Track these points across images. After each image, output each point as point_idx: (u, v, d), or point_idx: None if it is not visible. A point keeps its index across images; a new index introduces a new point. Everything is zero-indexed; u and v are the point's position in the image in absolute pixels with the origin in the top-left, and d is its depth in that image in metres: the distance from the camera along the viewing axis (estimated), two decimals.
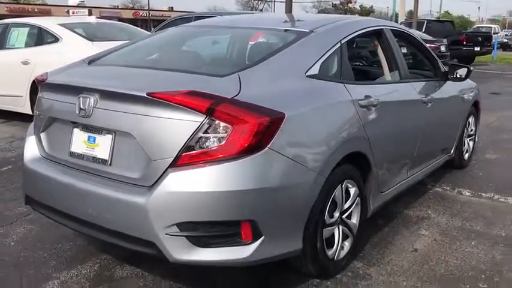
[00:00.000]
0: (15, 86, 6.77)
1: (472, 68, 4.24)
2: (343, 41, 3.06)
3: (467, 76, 4.20)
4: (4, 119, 7.21)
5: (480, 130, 5.99)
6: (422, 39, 4.41)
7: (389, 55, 3.59)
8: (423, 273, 2.91)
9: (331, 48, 2.94)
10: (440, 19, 31.69)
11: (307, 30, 3.02)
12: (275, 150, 2.31)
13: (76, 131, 2.62)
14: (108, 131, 2.48)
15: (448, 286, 2.77)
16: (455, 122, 4.60)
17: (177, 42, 3.58)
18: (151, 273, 2.83)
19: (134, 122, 2.35)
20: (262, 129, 2.26)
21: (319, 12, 70.67)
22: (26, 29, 7.18)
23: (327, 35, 3.07)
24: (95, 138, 2.54)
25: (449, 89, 4.29)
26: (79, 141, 2.61)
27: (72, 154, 2.63)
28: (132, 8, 66.16)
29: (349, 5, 71.65)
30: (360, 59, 5.20)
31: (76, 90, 2.57)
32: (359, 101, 2.91)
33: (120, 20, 30.76)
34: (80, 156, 2.59)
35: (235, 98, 2.30)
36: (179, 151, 2.26)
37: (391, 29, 3.70)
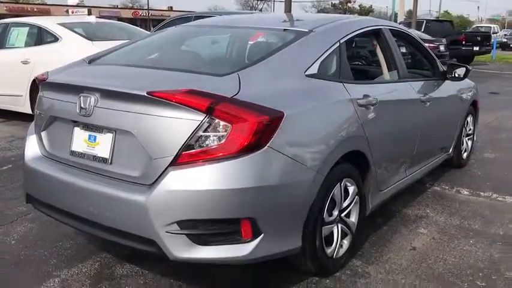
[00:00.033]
0: (15, 86, 6.79)
1: (470, 68, 4.26)
2: (342, 41, 3.07)
3: (465, 76, 4.22)
4: (4, 119, 7.23)
5: (479, 129, 6.02)
6: (422, 39, 4.43)
7: (388, 55, 3.60)
8: (421, 271, 2.93)
9: (330, 47, 2.96)
10: (440, 19, 31.70)
11: (306, 30, 3.04)
12: (274, 149, 2.32)
13: (77, 129, 2.64)
14: (109, 130, 2.49)
15: (446, 284, 2.79)
16: (454, 122, 4.62)
17: (177, 42, 3.60)
18: (151, 271, 2.85)
19: (134, 120, 2.37)
20: (262, 128, 2.28)
21: (318, 11, 70.67)
22: (26, 29, 7.19)
23: (326, 34, 3.09)
24: (95, 137, 2.56)
25: (448, 88, 4.31)
26: (80, 140, 2.62)
27: (72, 153, 2.65)
28: (132, 8, 66.17)
29: (349, 4, 71.63)
30: (358, 59, 5.22)
31: (77, 90, 2.58)
32: (358, 100, 2.92)
33: (120, 19, 30.80)
34: (81, 155, 2.61)
35: (234, 97, 2.32)
36: (179, 150, 2.28)
37: (389, 29, 3.72)
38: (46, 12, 43.30)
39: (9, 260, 2.97)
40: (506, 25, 73.55)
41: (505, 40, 34.12)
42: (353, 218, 2.97)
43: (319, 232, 2.64)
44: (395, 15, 37.29)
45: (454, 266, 2.99)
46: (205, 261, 2.36)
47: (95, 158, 2.55)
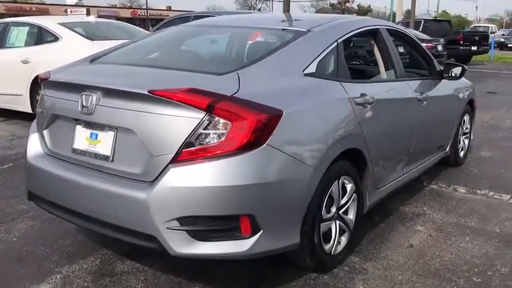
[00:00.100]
0: (15, 85, 6.82)
1: (466, 67, 4.30)
2: (339, 40, 3.11)
3: (461, 75, 4.26)
4: (4, 118, 7.26)
5: (476, 128, 6.07)
6: (420, 39, 4.47)
7: (385, 54, 3.65)
8: (418, 267, 2.97)
9: (328, 47, 3.00)
10: (438, 18, 31.80)
11: (304, 30, 3.08)
12: (273, 147, 2.36)
13: (78, 128, 2.68)
14: (110, 128, 2.53)
15: (442, 280, 2.83)
16: (451, 120, 4.66)
17: (177, 42, 3.64)
18: (151, 267, 2.89)
19: (136, 118, 2.41)
20: (261, 126, 2.32)
21: (317, 11, 70.74)
22: (26, 28, 7.22)
23: (324, 34, 3.13)
24: (97, 134, 2.60)
25: (445, 87, 4.35)
26: (81, 138, 2.66)
27: (74, 151, 2.68)
28: (130, 7, 66.17)
29: (347, 4, 71.71)
30: (356, 58, 5.26)
31: (78, 88, 2.62)
32: (355, 99, 2.97)
33: (118, 19, 30.79)
34: (83, 153, 2.64)
35: (234, 95, 2.36)
36: (180, 147, 2.31)
37: (387, 29, 3.76)
38: (45, 12, 43.29)
39: (11, 257, 3.01)
40: (504, 25, 73.68)
41: (503, 40, 34.16)
42: (351, 215, 3.01)
43: (317, 229, 2.68)
44: (394, 15, 37.35)
45: (451, 263, 3.04)
46: (205, 256, 2.40)
47: (97, 155, 2.59)
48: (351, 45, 4.70)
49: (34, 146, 2.93)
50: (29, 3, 49.80)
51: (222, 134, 2.29)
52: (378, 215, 3.70)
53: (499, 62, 21.46)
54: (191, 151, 2.31)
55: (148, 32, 8.44)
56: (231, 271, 2.86)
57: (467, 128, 5.19)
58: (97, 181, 2.52)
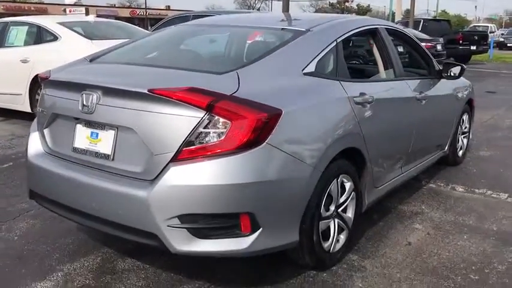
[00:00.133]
0: (14, 84, 6.83)
1: (465, 67, 4.32)
2: (338, 40, 3.13)
3: (460, 74, 4.28)
4: (3, 117, 7.27)
5: (475, 128, 6.09)
6: (419, 38, 4.50)
7: (384, 53, 3.67)
8: (416, 265, 2.99)
9: (327, 46, 3.02)
10: (437, 18, 31.83)
11: (303, 29, 3.10)
12: (273, 145, 2.38)
13: (79, 126, 2.70)
14: (111, 127, 2.55)
15: (440, 277, 2.86)
16: (449, 120, 4.69)
17: (176, 41, 3.66)
18: (152, 265, 2.91)
19: (136, 117, 2.43)
20: (261, 125, 2.34)
21: (316, 11, 70.76)
22: (25, 28, 7.24)
23: (323, 33, 3.15)
24: (97, 133, 2.62)
25: (443, 87, 4.37)
26: (82, 136, 2.68)
27: (75, 149, 2.70)
28: (129, 7, 66.13)
29: (346, 4, 71.71)
30: (355, 57, 5.28)
31: (79, 87, 2.64)
32: (354, 98, 2.99)
33: (117, 18, 30.77)
34: (83, 152, 2.66)
35: (234, 94, 2.38)
36: (180, 146, 2.33)
37: (386, 28, 3.78)
38: (43, 11, 43.27)
39: (13, 255, 3.03)
40: (503, 24, 73.75)
41: (502, 39, 34.20)
42: (349, 214, 3.03)
43: (316, 227, 2.70)
44: (393, 14, 37.39)
45: (448, 260, 3.06)
46: (206, 254, 2.42)
47: (97, 154, 2.60)
48: (350, 44, 4.73)
49: (35, 145, 2.95)
50: (27, 2, 49.76)
51: (222, 132, 2.31)
52: (377, 214, 3.73)
53: (498, 62, 21.50)
54: (191, 150, 2.33)
55: (147, 31, 8.45)
56: (230, 269, 2.88)
57: (466, 128, 5.22)
58: (98, 180, 2.54)
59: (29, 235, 3.31)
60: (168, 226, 2.32)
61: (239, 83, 2.46)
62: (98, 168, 2.59)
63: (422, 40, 12.87)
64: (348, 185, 2.96)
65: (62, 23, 6.97)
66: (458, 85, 4.72)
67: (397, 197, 4.09)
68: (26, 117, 6.90)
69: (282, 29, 3.34)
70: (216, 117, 2.31)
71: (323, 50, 2.99)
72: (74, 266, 2.90)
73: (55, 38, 6.76)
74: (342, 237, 2.99)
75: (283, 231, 2.54)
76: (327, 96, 2.87)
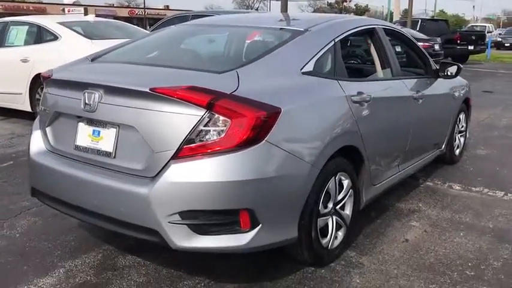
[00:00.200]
0: (14, 84, 6.86)
1: (462, 66, 4.37)
2: (336, 40, 3.18)
3: (457, 74, 4.33)
4: (3, 116, 7.30)
5: (472, 127, 6.14)
6: (417, 38, 4.54)
7: (382, 53, 3.71)
8: (413, 261, 3.04)
9: (325, 46, 3.06)
10: (435, 18, 31.89)
11: (302, 29, 3.14)
12: (272, 143, 2.43)
13: (81, 125, 2.74)
14: (113, 125, 2.59)
15: (436, 273, 2.90)
16: (446, 118, 4.73)
17: (176, 41, 3.70)
18: (153, 262, 2.95)
19: (137, 116, 2.47)
20: (260, 123, 2.38)
21: (314, 11, 70.81)
22: (25, 27, 7.27)
23: (321, 33, 3.19)
24: (99, 131, 2.66)
25: (440, 86, 4.42)
26: (84, 135, 2.72)
27: (77, 147, 2.74)
28: (128, 7, 66.07)
29: (345, 4, 71.79)
30: (353, 57, 5.33)
31: (81, 86, 2.67)
32: (352, 97, 3.03)
33: (116, 18, 30.75)
34: (85, 149, 2.70)
35: (233, 93, 2.42)
36: (180, 144, 2.37)
37: (383, 28, 3.82)
38: (42, 11, 43.24)
39: (15, 252, 3.07)
40: (501, 24, 73.86)
41: (500, 39, 34.28)
42: (347, 211, 3.07)
43: (314, 223, 2.74)
44: (391, 14, 37.46)
45: (445, 257, 3.11)
46: (206, 250, 2.46)
47: (99, 152, 2.64)
48: (348, 44, 4.78)
49: (37, 143, 2.99)
50: (26, 2, 49.68)
51: (222, 130, 2.35)
52: (374, 211, 3.77)
53: (495, 62, 21.57)
54: (192, 147, 2.37)
55: (146, 31, 8.49)
56: (230, 265, 2.92)
57: (463, 126, 5.26)
58: (100, 177, 2.57)
59: (31, 232, 3.35)
60: (169, 222, 2.36)
61: (239, 82, 2.50)
62: (100, 165, 2.63)
63: (420, 40, 12.91)
64: (345, 183, 3.00)
65: (62, 23, 7.00)
66: (455, 84, 4.76)
67: (395, 194, 4.13)
68: (26, 117, 6.94)
69: (281, 28, 3.38)
70: (216, 116, 2.35)
71: (321, 49, 3.03)
72: (76, 262, 2.94)
73: (55, 37, 6.79)
74: (340, 234, 3.03)
75: (282, 228, 2.59)
76: (325, 95, 2.91)
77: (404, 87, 3.81)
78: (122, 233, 2.62)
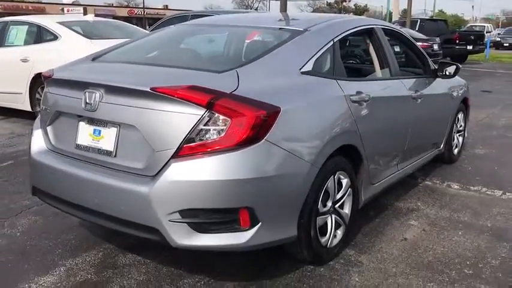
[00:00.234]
0: (14, 83, 6.88)
1: (460, 66, 4.39)
2: (335, 39, 3.19)
3: (455, 73, 4.35)
4: (3, 116, 7.32)
5: (470, 126, 6.16)
6: (416, 38, 4.56)
7: (380, 53, 3.73)
8: (412, 260, 3.06)
9: (324, 46, 3.08)
10: (434, 18, 31.91)
11: (301, 29, 3.16)
12: (271, 142, 2.44)
13: (82, 124, 2.75)
14: (113, 124, 2.61)
15: (435, 272, 2.92)
16: (445, 118, 4.75)
17: (176, 41, 3.71)
18: (153, 260, 2.97)
19: (138, 115, 2.49)
20: (259, 122, 2.40)
21: (313, 10, 70.83)
22: (25, 27, 7.28)
23: (320, 33, 3.21)
24: (100, 131, 2.67)
25: (439, 86, 4.44)
26: (85, 134, 2.74)
27: (78, 146, 2.76)
28: (127, 6, 66.05)
29: (344, 3, 71.80)
30: (352, 57, 5.35)
31: (82, 86, 2.69)
32: (351, 97, 3.05)
33: (115, 18, 30.78)
34: (86, 148, 2.72)
35: (233, 92, 2.44)
36: (181, 143, 2.39)
37: (382, 28, 3.84)
38: (41, 11, 43.22)
39: (16, 250, 3.09)
40: (500, 24, 73.94)
41: (499, 39, 34.31)
42: (346, 210, 3.09)
43: (313, 222, 2.76)
44: (390, 14, 37.49)
45: (443, 255, 3.13)
46: (206, 248, 2.48)
47: (100, 151, 2.66)
48: (347, 44, 4.79)
49: (38, 142, 3.00)
50: (25, 2, 49.64)
51: (222, 130, 2.37)
52: (373, 210, 3.79)
53: (494, 61, 21.60)
54: (192, 146, 2.39)
55: (146, 31, 8.50)
56: (230, 263, 2.94)
57: (461, 126, 5.29)
58: (100, 176, 2.59)
59: (32, 231, 3.36)
60: (169, 221, 2.38)
61: (238, 82, 2.52)
62: (101, 164, 2.65)
63: (419, 40, 12.94)
64: (344, 182, 3.02)
65: (61, 23, 7.02)
66: (453, 84, 4.78)
67: (394, 193, 4.15)
68: (26, 116, 6.96)
69: (280, 28, 3.40)
70: (216, 115, 2.37)
71: (320, 49, 3.05)
72: (76, 261, 2.96)
73: (55, 37, 6.81)
74: (339, 232, 3.05)
75: (282, 226, 2.60)
76: (324, 95, 2.93)
77: (403, 86, 3.83)
78: (123, 231, 2.64)
